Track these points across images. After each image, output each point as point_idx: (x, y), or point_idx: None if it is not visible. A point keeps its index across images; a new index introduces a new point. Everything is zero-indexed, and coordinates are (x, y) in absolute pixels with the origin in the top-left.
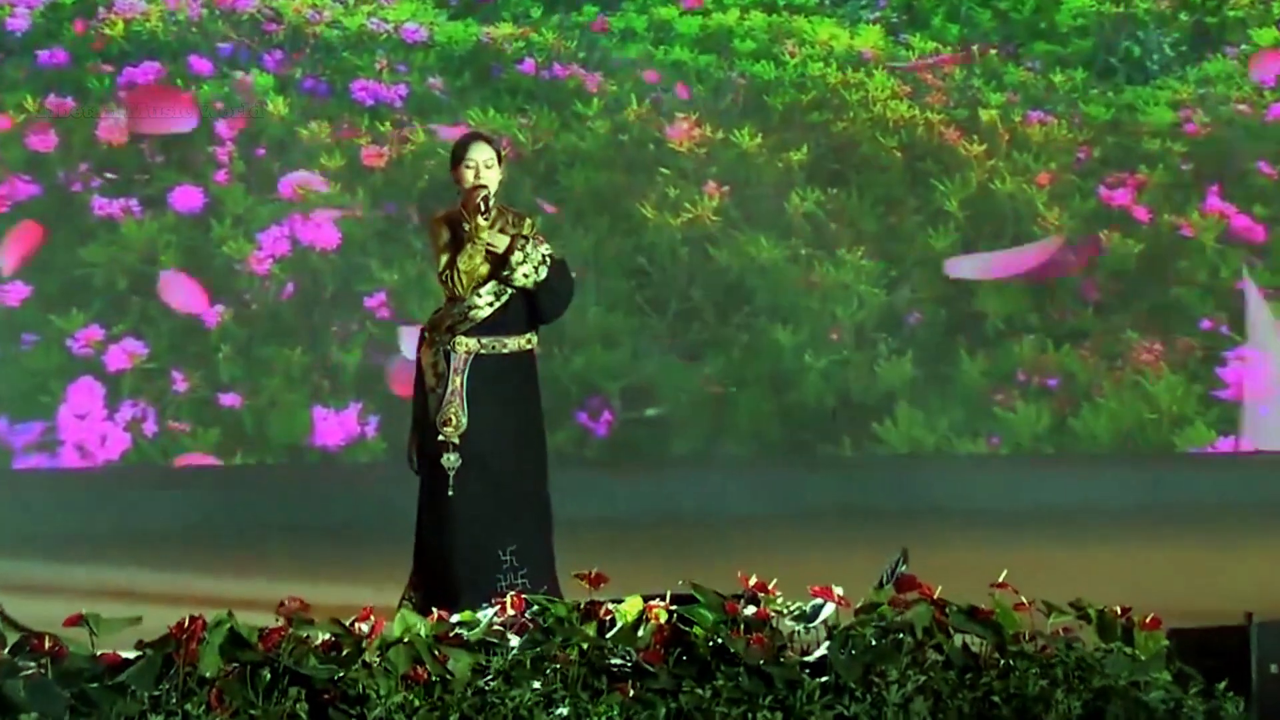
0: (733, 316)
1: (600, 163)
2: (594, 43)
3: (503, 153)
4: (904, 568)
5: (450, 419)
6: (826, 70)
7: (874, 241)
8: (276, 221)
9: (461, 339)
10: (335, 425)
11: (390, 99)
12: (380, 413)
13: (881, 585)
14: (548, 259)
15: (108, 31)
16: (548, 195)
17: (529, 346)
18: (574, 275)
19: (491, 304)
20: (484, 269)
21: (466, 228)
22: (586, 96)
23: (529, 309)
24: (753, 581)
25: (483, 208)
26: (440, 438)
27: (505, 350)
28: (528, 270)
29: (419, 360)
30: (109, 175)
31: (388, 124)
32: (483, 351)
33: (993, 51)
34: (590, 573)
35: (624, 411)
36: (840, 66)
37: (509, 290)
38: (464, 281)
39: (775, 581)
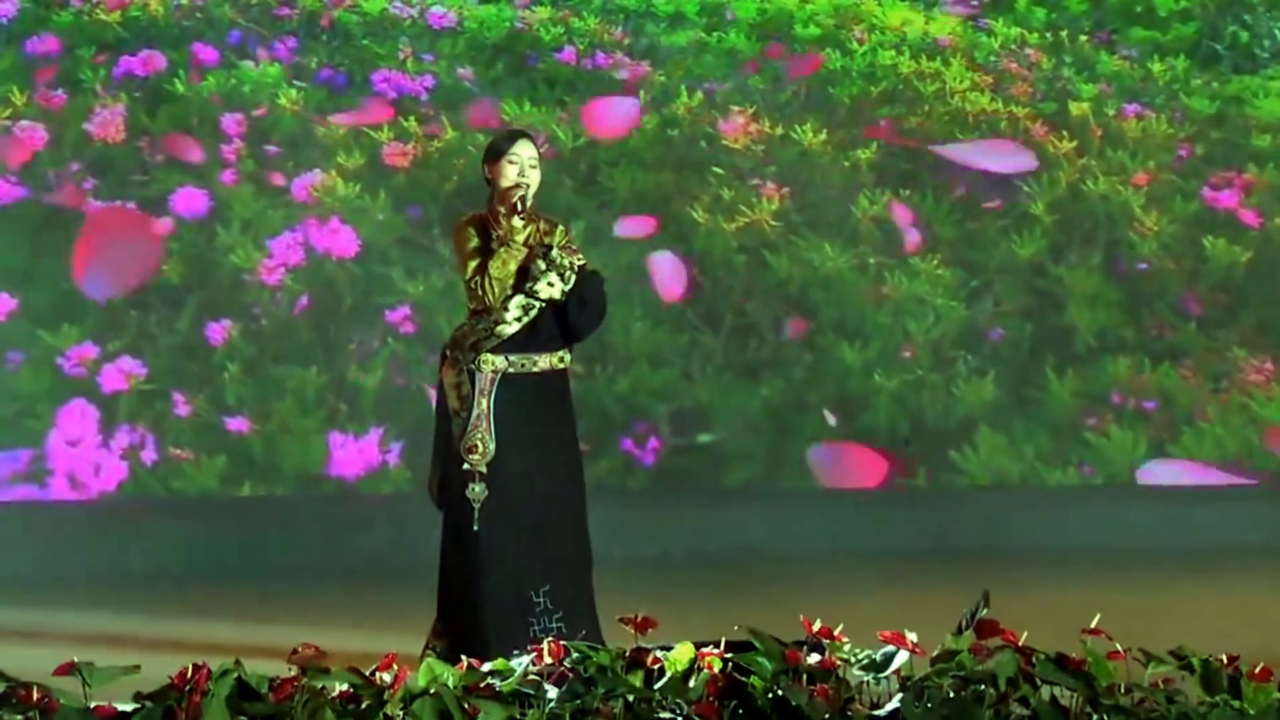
0: (794, 332)
1: (647, 162)
2: (640, 29)
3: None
4: (985, 611)
5: (476, 445)
6: (899, 59)
7: (951, 249)
8: (289, 227)
9: (488, 357)
10: (354, 453)
11: (415, 91)
12: (404, 439)
13: (960, 631)
14: (575, 269)
15: (103, 17)
16: (589, 197)
17: (562, 365)
18: (605, 289)
19: (519, 318)
20: (518, 276)
21: (498, 231)
22: (634, 88)
23: (561, 324)
24: (816, 626)
25: (520, 206)
26: (465, 466)
27: (536, 369)
28: (552, 280)
29: (441, 381)
30: (103, 176)
31: (412, 119)
32: (511, 370)
33: (1084, 38)
34: (636, 616)
35: (673, 438)
36: (914, 55)
37: (537, 303)
38: (495, 289)
39: (841, 627)
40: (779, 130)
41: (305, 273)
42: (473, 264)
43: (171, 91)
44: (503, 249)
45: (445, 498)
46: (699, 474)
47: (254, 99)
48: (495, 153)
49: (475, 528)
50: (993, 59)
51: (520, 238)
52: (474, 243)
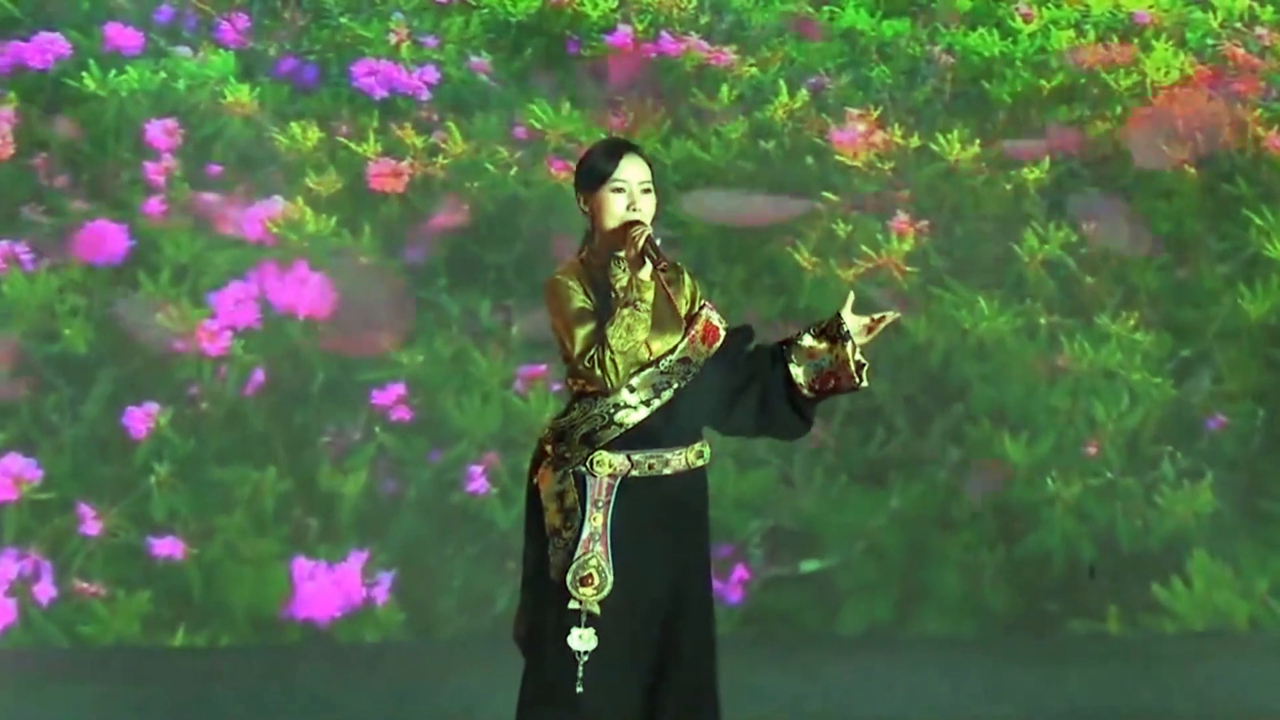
0: (936, 420)
1: (732, 183)
2: (724, 3)
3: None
4: None
5: (590, 576)
6: (1080, 43)
7: (1154, 305)
8: (238, 275)
9: (604, 455)
10: (328, 587)
11: (412, 88)
12: (396, 568)
13: None
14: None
15: None
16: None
17: (700, 463)
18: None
19: (648, 401)
20: (646, 349)
21: (619, 285)
22: (712, 83)
23: (704, 407)
24: None
25: (653, 254)
26: (572, 605)
27: (668, 470)
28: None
29: (533, 490)
30: None
31: (408, 126)
32: (635, 474)
33: None
34: None
35: (768, 567)
36: (1102, 37)
37: (674, 381)
38: (618, 368)
39: None
40: (914, 141)
41: (261, 338)
42: (581, 333)
43: (77, 89)
44: (627, 311)
45: (536, 646)
46: (804, 616)
47: (191, 100)
48: (593, 177)
49: (579, 689)
50: (1210, 42)
51: (649, 295)
52: (580, 302)
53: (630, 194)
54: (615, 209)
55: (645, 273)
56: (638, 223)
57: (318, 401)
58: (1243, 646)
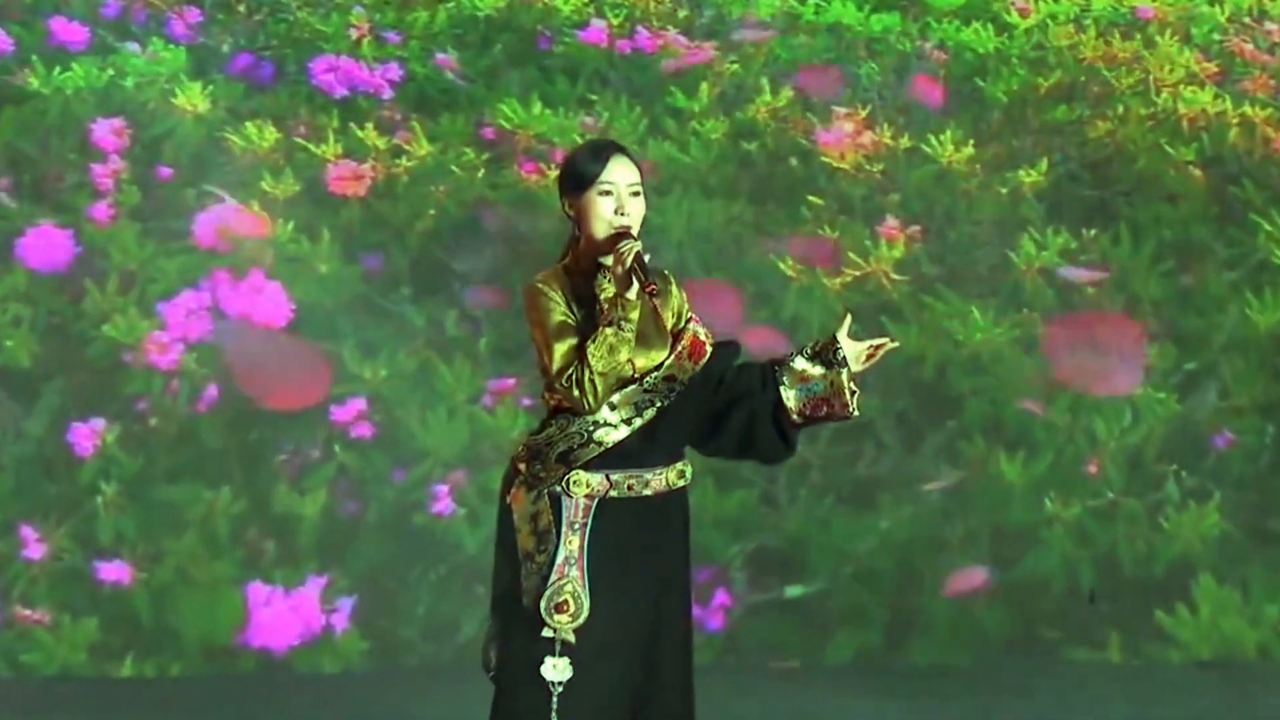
0: (927, 436)
1: (711, 188)
2: None
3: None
4: None
5: (566, 602)
6: (1079, 38)
7: (1157, 315)
8: (190, 284)
9: (581, 475)
10: (284, 613)
11: (374, 86)
12: (357, 593)
13: None
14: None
15: None
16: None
17: (681, 483)
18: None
19: (629, 420)
20: (630, 365)
21: (605, 297)
22: (691, 81)
23: (687, 426)
24: None
25: (641, 274)
26: (546, 633)
27: (647, 491)
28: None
29: (505, 510)
30: None
31: (370, 126)
32: (614, 494)
33: None
34: None
35: (750, 592)
36: (1102, 32)
37: (658, 400)
38: (598, 389)
39: None
40: (904, 142)
41: (214, 351)
42: (562, 348)
43: (19, 87)
44: (610, 330)
45: (508, 677)
46: (788, 644)
47: (140, 98)
48: (578, 179)
49: None
50: (1218, 38)
51: (635, 314)
52: (561, 315)
53: (618, 197)
54: (602, 213)
55: (632, 292)
56: (626, 235)
57: (274, 417)
58: (1252, 677)
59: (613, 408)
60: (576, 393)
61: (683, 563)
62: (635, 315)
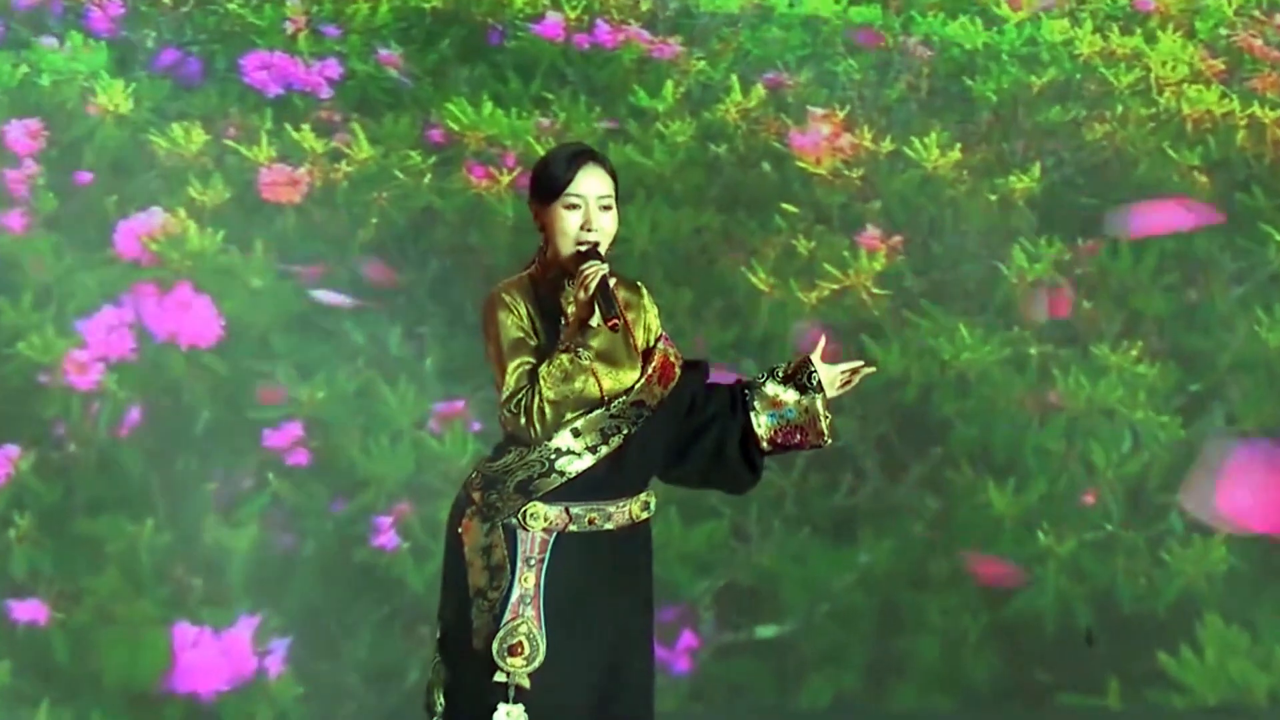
0: (911, 465)
1: (677, 195)
2: None
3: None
4: None
5: (520, 645)
6: (1075, 33)
7: (1160, 332)
8: (111, 299)
9: (539, 507)
10: (213, 656)
11: (311, 84)
12: (292, 634)
13: None
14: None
15: None
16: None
17: (645, 515)
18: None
19: (594, 448)
20: (596, 387)
21: (569, 311)
22: (655, 79)
23: (654, 454)
24: None
25: (604, 305)
26: (498, 677)
27: (609, 525)
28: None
29: (454, 543)
30: None
31: (306, 128)
32: (573, 529)
33: None
34: None
35: (719, 632)
36: (1098, 27)
37: (625, 427)
38: (547, 418)
39: None
40: (886, 145)
41: (137, 371)
42: (515, 369)
43: None
44: (566, 357)
45: None
46: (760, 688)
47: (57, 97)
48: (546, 188)
49: None
50: (1224, 33)
51: (595, 342)
52: (518, 331)
53: (586, 211)
54: (567, 228)
55: (594, 320)
56: (593, 256)
57: (202, 444)
58: None
59: (577, 434)
60: (524, 420)
61: (646, 602)
62: (595, 343)
